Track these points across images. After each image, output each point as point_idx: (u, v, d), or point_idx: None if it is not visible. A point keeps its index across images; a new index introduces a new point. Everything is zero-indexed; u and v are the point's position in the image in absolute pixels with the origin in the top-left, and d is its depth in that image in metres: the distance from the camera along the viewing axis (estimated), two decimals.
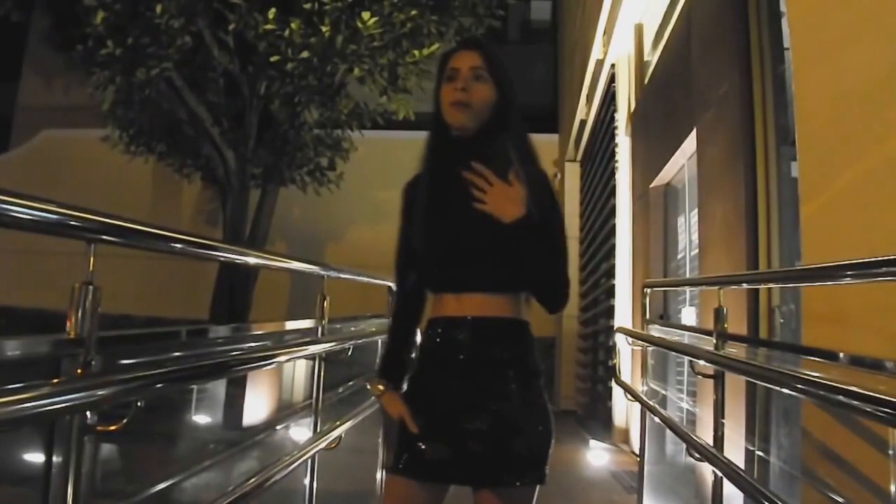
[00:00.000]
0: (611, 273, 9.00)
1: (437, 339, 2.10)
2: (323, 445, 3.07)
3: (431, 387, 2.08)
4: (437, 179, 2.15)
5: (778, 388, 2.53)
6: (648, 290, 4.82)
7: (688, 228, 6.29)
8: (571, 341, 11.89)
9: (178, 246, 2.03)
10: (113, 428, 1.57)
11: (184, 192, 14.17)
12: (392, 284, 4.95)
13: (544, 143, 12.35)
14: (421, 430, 2.03)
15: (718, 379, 3.12)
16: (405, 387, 2.16)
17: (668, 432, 4.37)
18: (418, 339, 2.25)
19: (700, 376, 3.44)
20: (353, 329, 4.42)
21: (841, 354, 2.46)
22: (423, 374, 2.13)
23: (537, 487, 2.02)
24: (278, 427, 4.54)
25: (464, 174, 2.00)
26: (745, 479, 2.50)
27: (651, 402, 4.36)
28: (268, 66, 9.00)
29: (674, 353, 4.67)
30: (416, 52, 9.29)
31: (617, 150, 9.01)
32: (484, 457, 1.97)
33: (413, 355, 2.24)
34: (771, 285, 3.90)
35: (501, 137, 2.08)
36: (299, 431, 4.09)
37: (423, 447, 2.01)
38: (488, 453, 1.97)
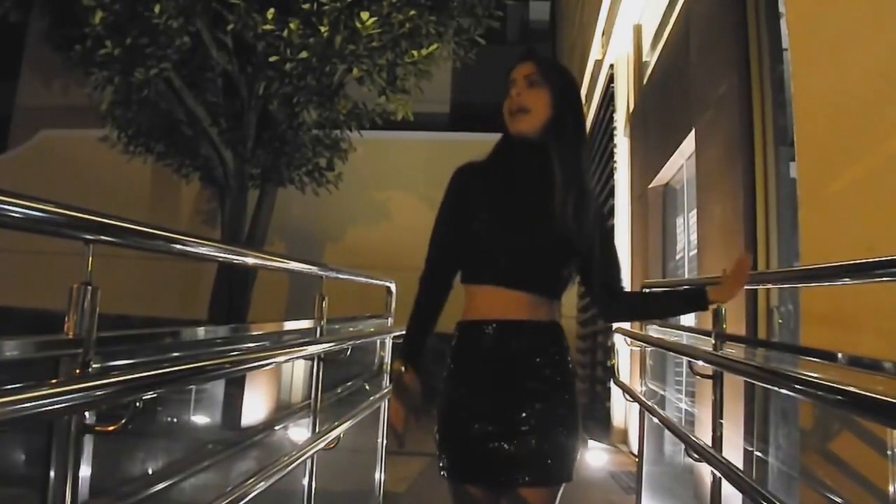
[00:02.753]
0: None
1: (474, 343, 2.15)
2: (321, 446, 3.07)
3: (467, 391, 2.14)
4: (498, 178, 2.19)
5: (776, 389, 2.53)
6: (647, 291, 4.82)
7: (686, 229, 6.29)
8: (570, 341, 11.88)
9: (177, 246, 2.03)
10: (111, 428, 1.57)
11: (182, 193, 14.16)
12: (391, 285, 5.00)
13: None
14: (458, 434, 2.11)
15: (717, 379, 3.11)
16: (444, 385, 2.20)
17: (667, 433, 4.37)
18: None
19: (698, 377, 3.44)
20: (351, 329, 4.42)
21: (839, 355, 2.46)
22: (459, 378, 2.17)
23: (562, 486, 2.12)
24: (277, 427, 4.54)
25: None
26: (743, 480, 2.50)
27: (650, 403, 4.36)
28: (266, 66, 8.99)
29: (672, 353, 4.67)
30: (414, 53, 9.28)
31: (615, 150, 9.02)
32: (518, 458, 2.05)
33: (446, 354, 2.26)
34: (769, 286, 3.90)
35: (565, 144, 2.15)
36: (298, 432, 4.09)
37: (459, 454, 2.12)
38: (522, 455, 2.05)
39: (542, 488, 2.08)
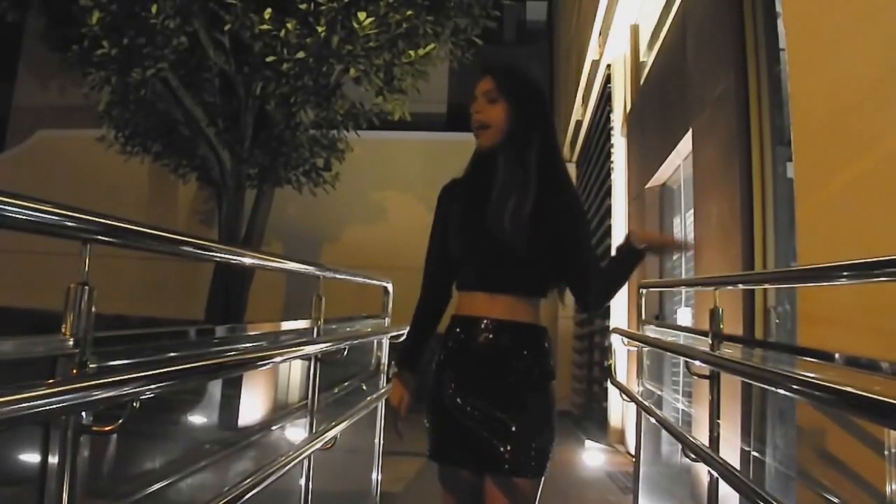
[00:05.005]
0: None
1: (461, 337, 2.30)
2: (318, 446, 3.06)
3: (453, 380, 2.29)
4: (471, 189, 2.34)
5: (773, 389, 2.53)
6: (644, 291, 4.82)
7: (683, 229, 6.30)
8: (567, 342, 11.90)
9: (174, 246, 2.03)
10: (108, 428, 1.57)
11: (179, 193, 14.14)
12: (388, 285, 5.00)
13: None
14: (447, 416, 2.26)
15: (714, 380, 3.12)
16: (432, 376, 2.37)
17: (664, 433, 4.38)
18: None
19: (696, 377, 3.44)
20: (348, 329, 4.42)
21: (836, 355, 2.46)
22: (446, 367, 2.32)
23: (541, 480, 2.25)
24: (274, 427, 4.53)
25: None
26: (740, 480, 2.50)
27: (647, 403, 4.36)
28: (263, 66, 8.98)
29: (669, 353, 4.68)
30: (411, 53, 9.28)
31: (613, 150, 9.03)
32: (492, 446, 2.19)
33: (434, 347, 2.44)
34: (766, 286, 3.90)
35: (513, 152, 2.27)
36: (295, 432, 4.08)
37: (443, 437, 2.30)
38: (496, 444, 2.19)
39: (519, 478, 2.20)
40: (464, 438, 2.23)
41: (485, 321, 2.26)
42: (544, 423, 2.28)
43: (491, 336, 2.25)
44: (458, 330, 2.32)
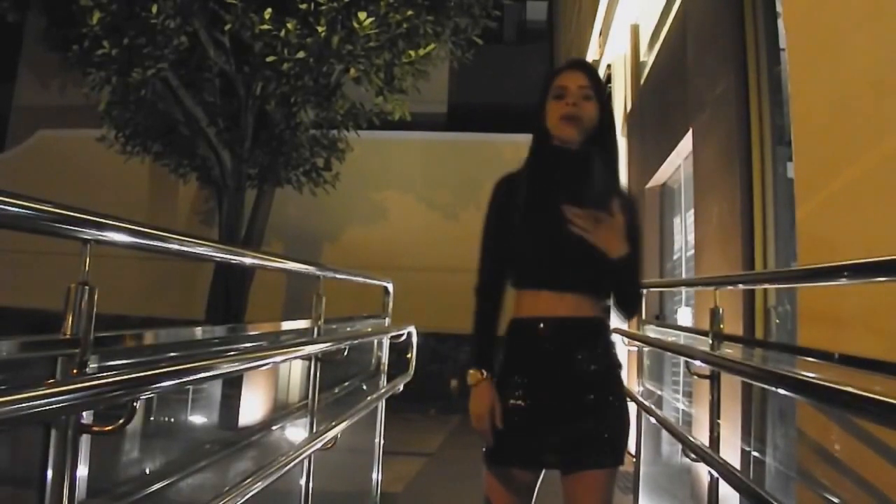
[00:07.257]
0: None
1: (526, 339, 2.28)
2: (319, 446, 3.06)
3: (525, 381, 2.25)
4: (539, 185, 2.30)
5: (773, 389, 2.53)
6: (644, 291, 4.82)
7: (684, 229, 6.30)
8: None
9: (174, 246, 2.03)
10: (109, 428, 1.57)
11: (180, 193, 14.13)
12: (388, 285, 5.00)
13: None
14: (516, 420, 2.21)
15: (714, 379, 3.12)
16: (497, 376, 2.31)
17: (664, 433, 4.38)
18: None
19: (696, 377, 3.44)
20: (348, 329, 4.42)
21: (836, 355, 2.46)
22: (513, 371, 2.28)
23: (618, 469, 2.26)
24: (274, 427, 4.54)
25: (567, 209, 2.16)
26: (740, 480, 2.50)
27: (647, 403, 4.36)
28: (264, 66, 8.98)
29: (669, 353, 4.67)
30: (412, 53, 9.28)
31: None
32: (573, 443, 2.19)
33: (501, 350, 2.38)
34: (767, 286, 3.90)
35: (597, 153, 2.27)
36: (295, 432, 4.08)
37: (518, 437, 2.22)
38: (577, 440, 2.19)
39: (599, 470, 2.20)
40: (535, 440, 2.21)
41: (550, 320, 2.23)
42: (618, 411, 2.28)
43: (557, 335, 2.23)
44: (522, 332, 2.30)
